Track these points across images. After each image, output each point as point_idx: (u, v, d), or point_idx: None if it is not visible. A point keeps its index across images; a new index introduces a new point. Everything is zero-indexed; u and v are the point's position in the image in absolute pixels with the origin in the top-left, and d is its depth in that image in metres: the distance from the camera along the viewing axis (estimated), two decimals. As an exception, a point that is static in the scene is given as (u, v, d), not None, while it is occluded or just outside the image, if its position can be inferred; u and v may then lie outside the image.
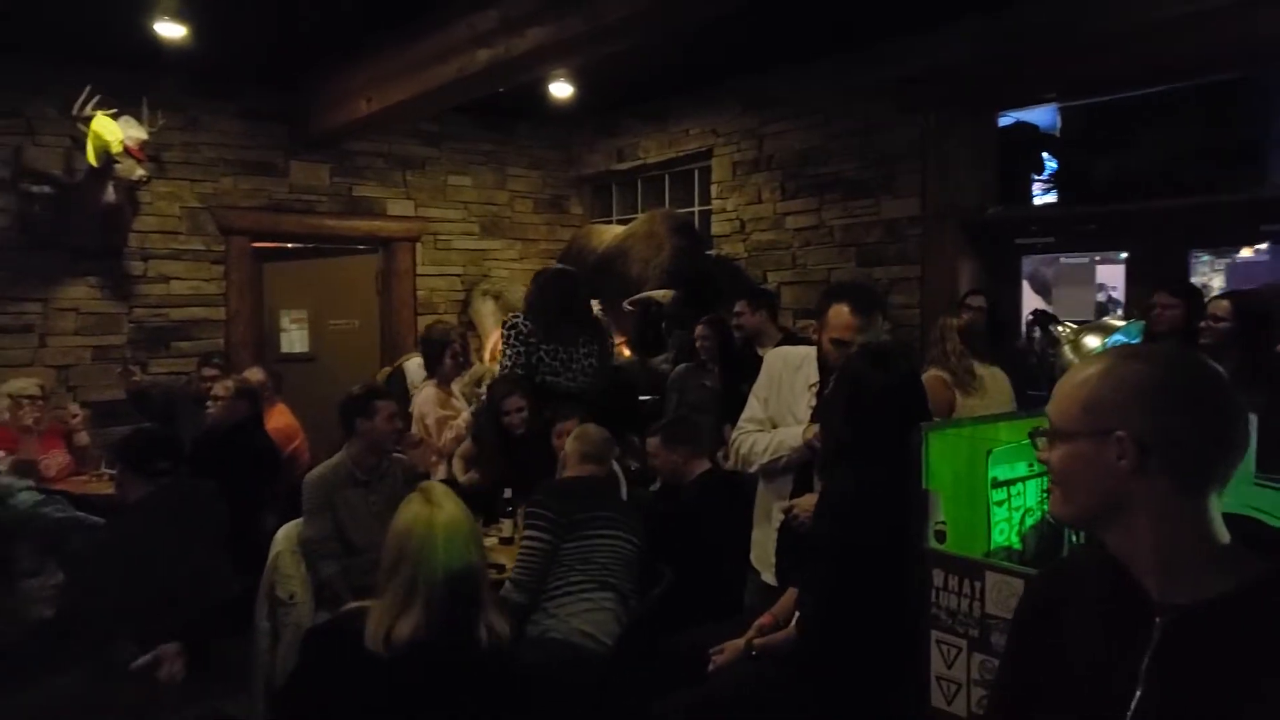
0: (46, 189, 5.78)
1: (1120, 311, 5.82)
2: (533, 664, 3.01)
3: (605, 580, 3.29)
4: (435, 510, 2.16)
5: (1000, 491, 2.04)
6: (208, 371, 5.51)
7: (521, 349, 4.76)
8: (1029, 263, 6.10)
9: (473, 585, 2.17)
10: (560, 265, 6.06)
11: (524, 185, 7.88)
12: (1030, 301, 6.26)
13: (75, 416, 5.41)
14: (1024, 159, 5.91)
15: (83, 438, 5.33)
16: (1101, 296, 6.65)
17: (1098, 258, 6.50)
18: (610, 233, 7.14)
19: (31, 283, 5.91)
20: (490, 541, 4.08)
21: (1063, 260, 6.61)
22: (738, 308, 5.00)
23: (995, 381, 4.30)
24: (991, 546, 2.01)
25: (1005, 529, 2.04)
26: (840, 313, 2.77)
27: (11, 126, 5.81)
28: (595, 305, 5.71)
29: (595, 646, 3.17)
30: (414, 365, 5.78)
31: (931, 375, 4.01)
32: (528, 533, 3.33)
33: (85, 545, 3.31)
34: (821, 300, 2.92)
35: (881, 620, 2.08)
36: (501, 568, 3.75)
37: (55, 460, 5.06)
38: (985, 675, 1.78)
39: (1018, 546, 2.04)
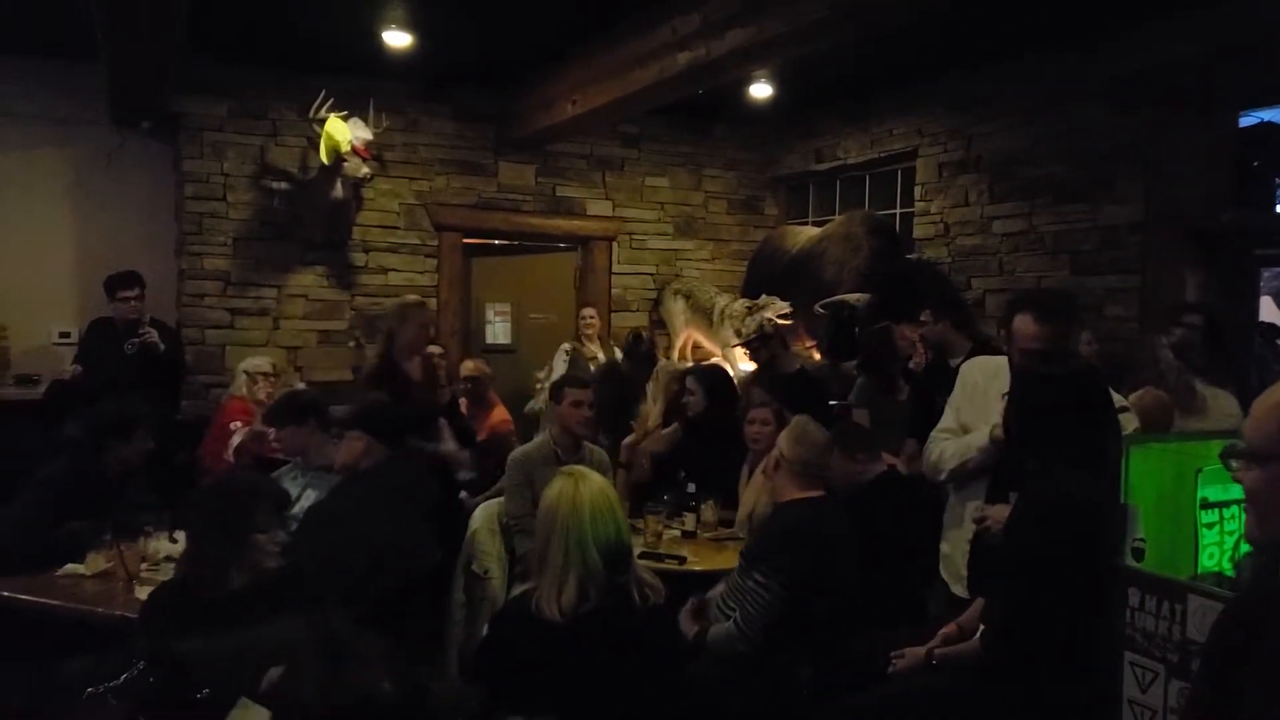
0: (284, 185, 6.37)
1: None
2: (710, 670, 2.99)
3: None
4: (580, 484, 2.32)
5: (1211, 513, 1.89)
6: (433, 349, 5.84)
7: None
8: (1270, 275, 5.56)
9: (621, 552, 2.33)
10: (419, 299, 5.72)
11: (719, 186, 7.93)
12: (1270, 317, 5.72)
13: (302, 394, 5.91)
14: (1267, 161, 5.37)
15: (307, 413, 5.80)
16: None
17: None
18: (805, 234, 7.05)
19: (268, 271, 6.51)
20: (672, 534, 4.16)
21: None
22: (922, 317, 4.78)
23: (1218, 403, 4.00)
24: (1199, 570, 1.87)
25: (1215, 553, 1.90)
26: (1025, 323, 2.70)
27: (259, 128, 6.43)
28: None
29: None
30: None
31: (1146, 393, 3.77)
32: (761, 579, 2.98)
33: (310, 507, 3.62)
34: (1006, 311, 2.84)
35: (1070, 635, 1.97)
36: (682, 559, 3.81)
37: (283, 432, 5.54)
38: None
39: (1229, 573, 1.88)
